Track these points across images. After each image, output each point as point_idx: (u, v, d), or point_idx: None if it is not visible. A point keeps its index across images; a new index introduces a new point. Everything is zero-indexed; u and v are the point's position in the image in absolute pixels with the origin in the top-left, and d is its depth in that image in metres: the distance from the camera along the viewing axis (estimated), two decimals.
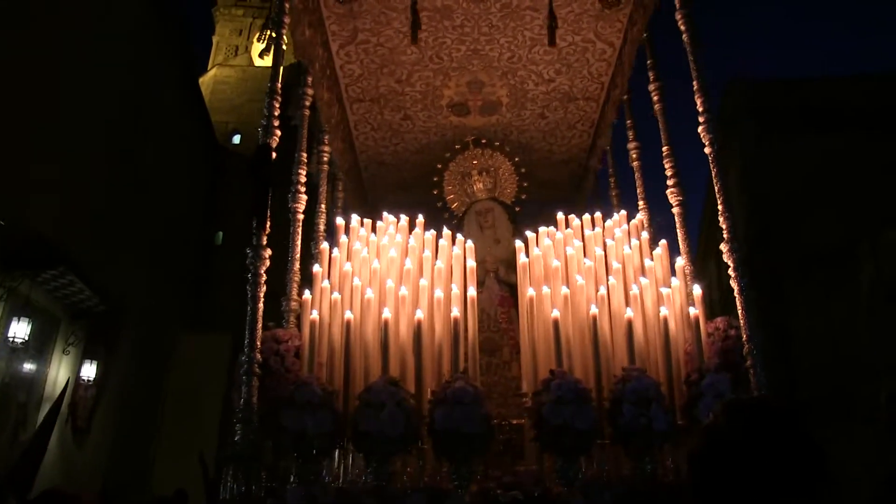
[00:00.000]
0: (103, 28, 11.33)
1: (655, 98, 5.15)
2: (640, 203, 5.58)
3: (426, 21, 5.45)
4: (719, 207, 3.96)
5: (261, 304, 3.78)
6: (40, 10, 9.44)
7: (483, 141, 6.75)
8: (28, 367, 9.73)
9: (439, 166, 6.77)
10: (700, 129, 4.15)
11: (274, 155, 4.10)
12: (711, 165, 4.09)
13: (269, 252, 3.88)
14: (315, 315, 3.92)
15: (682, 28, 4.45)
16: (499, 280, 5.83)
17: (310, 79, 5.25)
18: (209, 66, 36.15)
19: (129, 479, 12.57)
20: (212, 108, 23.12)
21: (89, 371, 11.19)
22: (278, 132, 4.16)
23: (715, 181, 4.03)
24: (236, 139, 30.44)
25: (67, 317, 10.64)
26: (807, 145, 14.86)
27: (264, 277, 3.83)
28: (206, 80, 31.76)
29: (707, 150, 4.11)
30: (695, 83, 4.28)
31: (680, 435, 3.61)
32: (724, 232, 3.90)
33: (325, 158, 5.78)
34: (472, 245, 4.57)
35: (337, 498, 3.39)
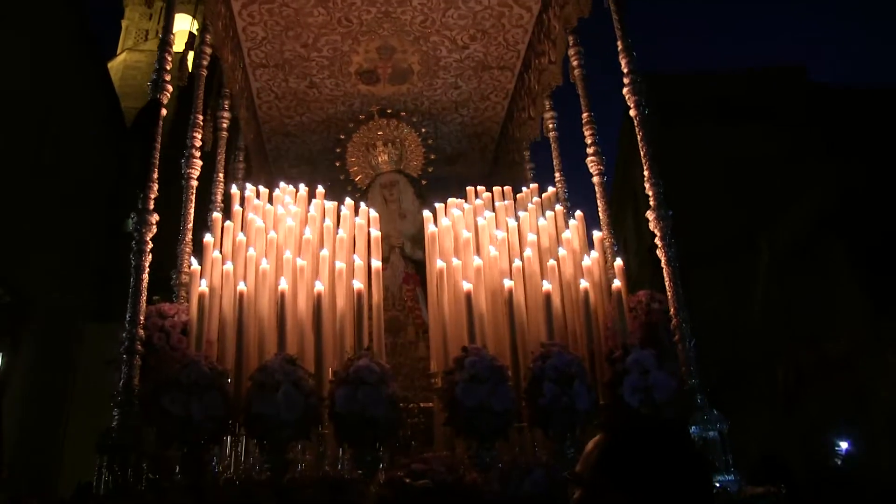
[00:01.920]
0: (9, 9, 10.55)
1: (575, 63, 4.90)
2: (557, 175, 5.37)
3: None
4: (646, 173, 3.76)
5: (145, 276, 3.39)
6: None
7: (388, 111, 6.41)
8: None
9: (342, 137, 6.42)
10: (625, 90, 3.96)
11: (164, 112, 3.70)
12: (637, 129, 3.89)
13: (155, 217, 3.48)
14: (204, 286, 3.53)
15: None
16: (404, 256, 5.56)
17: (208, 36, 4.80)
18: (118, 51, 34.94)
19: (35, 473, 11.92)
20: (122, 93, 22.39)
21: None
22: (170, 87, 3.77)
23: (641, 146, 3.84)
24: None
25: None
26: (707, 136, 15.26)
27: (150, 245, 3.44)
28: (115, 65, 30.84)
29: (632, 112, 3.92)
30: (619, 43, 4.09)
31: (602, 416, 3.38)
32: (651, 199, 3.70)
33: (225, 125, 5.33)
34: (376, 214, 4.23)
35: (226, 490, 3.03)
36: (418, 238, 5.56)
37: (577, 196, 5.24)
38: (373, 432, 3.09)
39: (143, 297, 3.35)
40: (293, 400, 3.08)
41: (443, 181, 6.56)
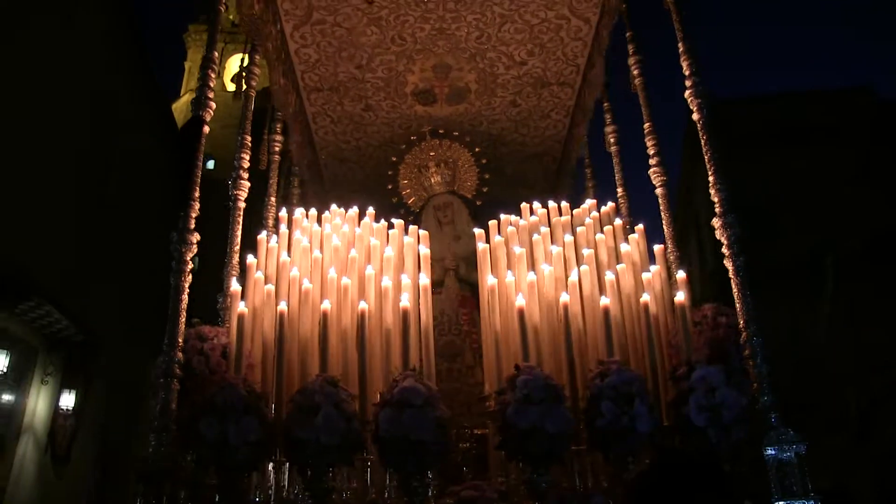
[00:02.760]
0: (70, 52, 10.81)
1: (636, 72, 4.71)
2: (619, 190, 5.13)
3: None
4: (710, 178, 3.53)
5: (185, 296, 3.28)
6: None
7: (441, 131, 6.26)
8: (6, 397, 9.58)
9: (394, 159, 6.28)
10: (687, 93, 3.76)
11: (207, 129, 3.62)
12: (701, 133, 3.65)
13: (196, 237, 3.38)
14: (243, 307, 3.40)
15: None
16: (459, 279, 5.36)
17: (257, 56, 4.75)
18: (182, 92, 35.94)
19: None
20: None
21: (68, 400, 10.84)
22: (213, 104, 3.70)
23: (705, 149, 3.60)
24: (210, 164, 30.37)
25: (45, 347, 10.37)
26: (770, 159, 14.77)
27: (190, 265, 3.34)
28: (178, 106, 31.59)
29: (695, 116, 3.70)
30: (680, 45, 3.89)
31: (667, 438, 3.11)
32: (717, 205, 3.46)
33: (277, 148, 5.27)
34: (426, 232, 4.05)
35: None
36: (473, 260, 5.36)
37: (640, 213, 5.01)
38: (419, 457, 2.89)
39: (182, 319, 3.23)
40: (333, 423, 2.91)
41: (504, 204, 6.39)
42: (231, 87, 35.00)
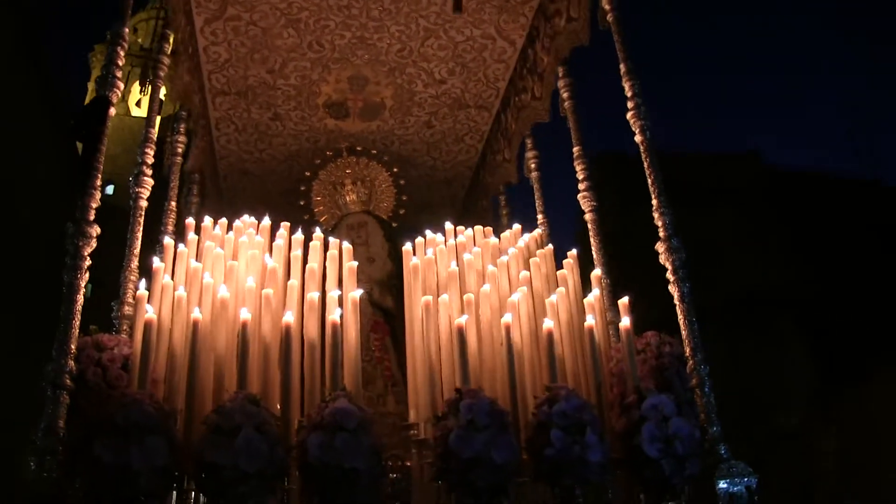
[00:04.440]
0: None
1: (566, 95, 4.59)
2: (540, 217, 4.98)
3: None
4: (654, 202, 3.41)
5: (80, 297, 2.86)
6: None
7: (358, 149, 6.00)
8: None
9: (308, 174, 5.97)
10: (629, 115, 3.64)
11: (112, 112, 3.23)
12: (644, 156, 3.54)
13: (96, 230, 2.98)
14: (152, 313, 2.99)
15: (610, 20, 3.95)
16: (372, 303, 5.06)
17: (169, 44, 4.35)
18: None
19: None
20: None
21: None
22: (120, 84, 3.31)
23: (648, 171, 3.49)
24: (109, 189, 29.85)
25: None
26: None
27: (87, 262, 2.93)
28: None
29: (638, 137, 3.59)
30: (622, 66, 3.79)
31: (615, 470, 2.91)
32: (661, 230, 3.33)
33: (179, 150, 4.85)
34: (350, 246, 3.76)
35: None
36: (387, 284, 5.13)
37: (560, 240, 4.88)
38: (350, 488, 2.57)
39: (76, 323, 2.82)
40: (255, 447, 2.55)
41: (410, 230, 6.15)
42: (136, 111, 33.69)
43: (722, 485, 2.79)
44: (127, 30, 3.46)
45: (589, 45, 4.38)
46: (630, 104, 3.67)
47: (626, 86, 3.73)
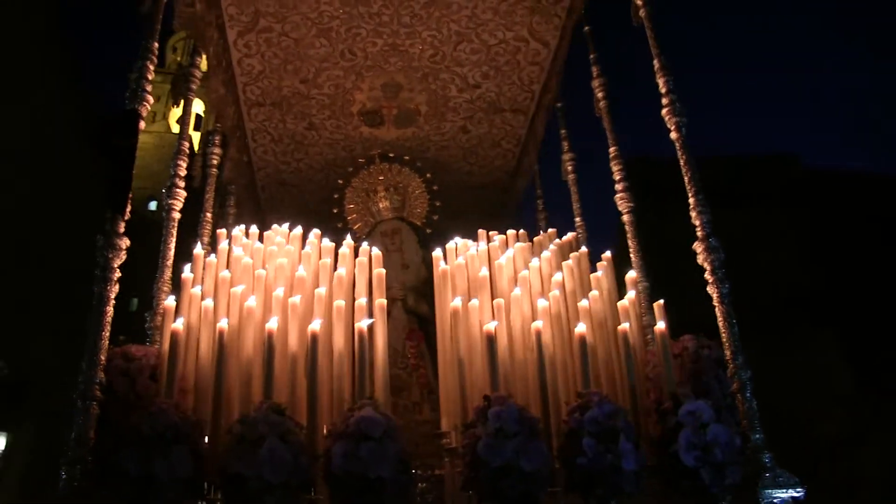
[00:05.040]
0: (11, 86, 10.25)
1: (600, 95, 4.51)
2: (577, 220, 4.90)
3: (338, 4, 4.70)
4: (691, 201, 3.32)
5: (109, 308, 2.88)
6: None
7: (391, 155, 5.97)
8: None
9: (341, 182, 5.96)
10: (664, 111, 3.57)
11: (142, 125, 3.25)
12: (680, 153, 3.45)
13: (126, 242, 2.99)
14: (179, 324, 2.98)
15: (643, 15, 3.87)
16: (406, 310, 5.03)
17: (202, 59, 4.37)
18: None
19: None
20: None
21: None
22: (150, 98, 3.33)
23: (685, 169, 3.39)
24: (152, 205, 31.19)
25: None
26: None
27: (117, 273, 2.94)
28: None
29: (673, 135, 3.52)
30: (655, 62, 3.71)
31: (651, 478, 2.82)
32: (698, 229, 3.23)
33: (215, 162, 4.89)
34: (379, 253, 3.72)
35: None
36: (422, 290, 5.08)
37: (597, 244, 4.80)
38: (377, 497, 2.52)
39: (106, 334, 2.83)
40: (280, 457, 2.52)
41: (444, 236, 6.11)
42: (176, 128, 34.56)
43: (766, 494, 2.68)
44: (156, 44, 3.48)
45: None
46: (664, 101, 3.58)
47: (660, 82, 3.64)
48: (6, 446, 10.34)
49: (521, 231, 4.43)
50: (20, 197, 10.76)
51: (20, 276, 10.53)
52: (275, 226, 4.23)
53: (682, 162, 3.43)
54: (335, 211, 5.90)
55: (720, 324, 3.04)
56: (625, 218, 4.08)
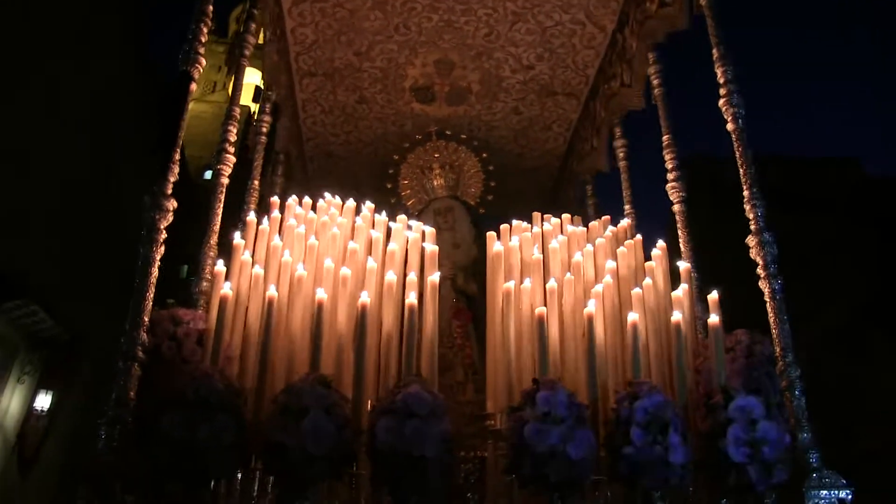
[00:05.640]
0: (76, 63, 10.34)
1: (656, 83, 4.42)
2: (627, 208, 4.80)
3: None
4: (745, 193, 3.23)
5: (154, 269, 2.87)
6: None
7: (448, 132, 5.92)
8: None
9: (396, 157, 5.95)
10: (721, 102, 3.49)
11: (194, 87, 3.23)
12: (736, 144, 3.37)
13: (173, 204, 2.98)
14: (228, 290, 2.96)
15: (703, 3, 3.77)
16: (455, 289, 5.00)
17: (252, 25, 4.33)
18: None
19: None
20: (186, 141, 22.60)
21: (43, 401, 10.46)
22: (202, 60, 3.31)
23: (740, 161, 3.30)
24: (208, 174, 31.01)
25: (26, 346, 10.04)
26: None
27: (163, 235, 2.93)
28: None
29: (730, 126, 3.42)
30: (714, 51, 3.63)
31: (696, 472, 2.75)
32: (752, 222, 3.16)
33: (265, 129, 4.87)
34: (432, 230, 3.66)
35: None
36: (472, 270, 5.06)
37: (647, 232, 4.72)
38: (419, 477, 2.48)
39: (150, 295, 2.82)
40: (323, 429, 2.49)
41: (494, 220, 6.05)
42: (253, 106, 34.60)
43: (813, 496, 2.61)
44: (211, 7, 3.45)
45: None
46: (722, 91, 3.50)
47: (719, 72, 3.55)
48: (52, 405, 10.52)
49: (576, 216, 4.36)
50: (88, 167, 10.92)
51: (80, 242, 10.67)
52: (327, 195, 4.19)
53: (737, 154, 3.34)
54: (389, 186, 5.89)
55: (770, 320, 2.97)
56: (675, 208, 4.02)
